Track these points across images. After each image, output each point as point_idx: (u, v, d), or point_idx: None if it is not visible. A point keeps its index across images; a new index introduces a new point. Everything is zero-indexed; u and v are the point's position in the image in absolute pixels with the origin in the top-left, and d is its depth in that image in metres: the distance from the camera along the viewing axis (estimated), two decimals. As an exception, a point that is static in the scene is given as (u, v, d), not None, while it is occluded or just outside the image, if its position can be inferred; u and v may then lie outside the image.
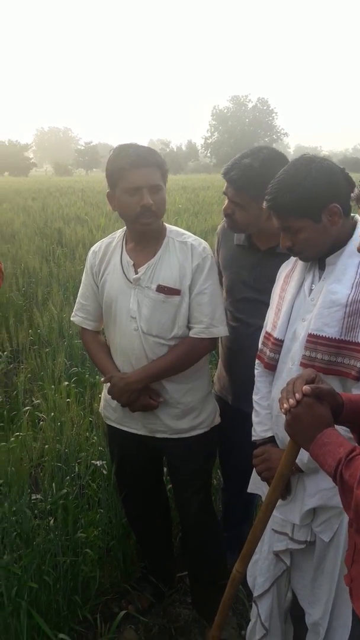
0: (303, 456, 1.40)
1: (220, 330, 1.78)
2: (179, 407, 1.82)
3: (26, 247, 7.55)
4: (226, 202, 1.83)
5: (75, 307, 1.97)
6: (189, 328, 1.77)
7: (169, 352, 1.76)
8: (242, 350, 1.90)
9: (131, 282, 1.76)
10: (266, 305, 1.65)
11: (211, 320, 1.75)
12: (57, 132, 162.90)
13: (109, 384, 1.82)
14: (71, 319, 1.98)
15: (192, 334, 1.76)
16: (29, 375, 3.69)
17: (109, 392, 1.81)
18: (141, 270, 1.75)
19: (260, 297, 1.78)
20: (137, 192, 1.65)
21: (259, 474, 1.60)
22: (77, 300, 1.96)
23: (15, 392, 3.27)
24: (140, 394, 1.76)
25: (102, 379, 1.87)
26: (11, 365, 4.06)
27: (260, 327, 1.65)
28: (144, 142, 1.79)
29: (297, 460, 1.34)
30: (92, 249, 1.92)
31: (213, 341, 1.81)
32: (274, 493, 1.30)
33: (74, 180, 37.61)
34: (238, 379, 1.98)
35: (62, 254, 7.29)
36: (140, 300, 1.75)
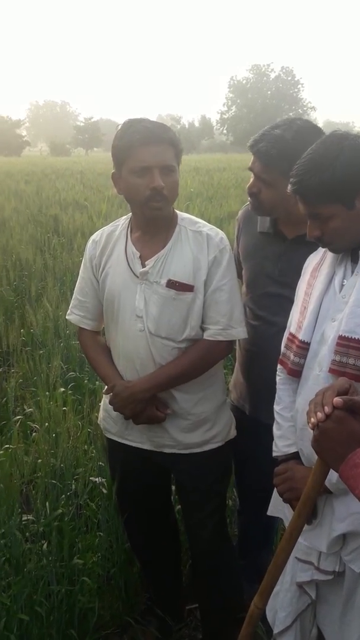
0: (332, 475, 1.39)
1: (239, 332, 1.78)
2: (189, 418, 1.82)
3: (18, 237, 7.59)
4: (252, 179, 1.83)
5: (71, 304, 1.97)
6: (202, 329, 1.77)
7: (181, 356, 1.76)
8: (263, 352, 1.89)
9: (137, 277, 1.76)
10: (292, 301, 1.64)
11: (229, 320, 1.75)
12: (54, 107, 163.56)
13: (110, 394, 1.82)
14: (67, 317, 1.99)
15: (207, 335, 1.76)
16: (21, 380, 3.70)
17: (111, 403, 1.81)
18: (149, 263, 1.75)
19: (285, 292, 1.78)
20: (146, 172, 1.65)
21: (281, 494, 1.59)
22: (73, 296, 1.96)
23: (4, 399, 3.29)
24: (147, 405, 1.77)
25: (104, 390, 1.87)
26: (0, 369, 4.08)
27: (285, 327, 1.65)
28: (151, 117, 1.78)
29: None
30: (92, 237, 1.92)
31: (230, 344, 1.81)
32: (299, 518, 1.29)
33: (72, 160, 37.72)
34: (258, 386, 1.98)
35: (58, 244, 7.32)
36: (147, 297, 1.74)
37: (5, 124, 74.70)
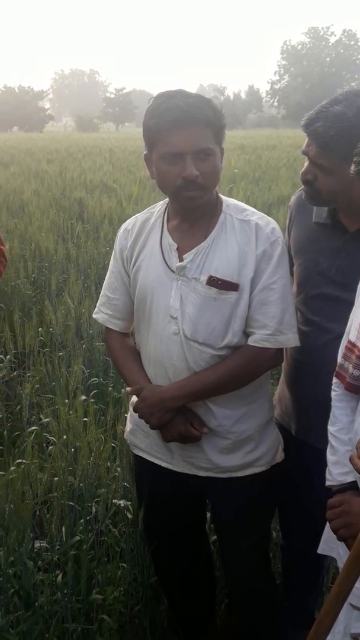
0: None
1: (290, 338, 1.75)
2: (229, 437, 1.80)
3: (38, 223, 7.69)
4: (306, 164, 1.80)
5: (99, 302, 1.98)
6: (247, 334, 1.75)
7: (220, 363, 1.75)
8: (312, 363, 1.87)
9: (174, 272, 1.75)
10: (351, 305, 1.60)
11: (279, 325, 1.72)
12: (81, 76, 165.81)
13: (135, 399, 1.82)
14: (93, 316, 2.01)
15: (252, 341, 1.74)
16: (37, 385, 3.74)
17: (136, 408, 1.82)
18: (188, 256, 1.74)
19: (343, 294, 1.74)
20: (178, 159, 1.64)
21: (335, 531, 1.55)
22: (101, 293, 1.98)
23: (18, 406, 3.32)
24: (175, 415, 1.76)
25: (129, 388, 1.87)
26: (15, 373, 4.13)
27: (341, 335, 1.61)
28: (192, 88, 1.78)
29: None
30: (124, 226, 1.92)
31: (279, 353, 1.78)
32: (354, 564, 1.26)
33: (100, 137, 38.18)
34: (305, 402, 1.95)
35: (82, 232, 7.40)
36: (184, 295, 1.74)
37: (26, 95, 75.89)
